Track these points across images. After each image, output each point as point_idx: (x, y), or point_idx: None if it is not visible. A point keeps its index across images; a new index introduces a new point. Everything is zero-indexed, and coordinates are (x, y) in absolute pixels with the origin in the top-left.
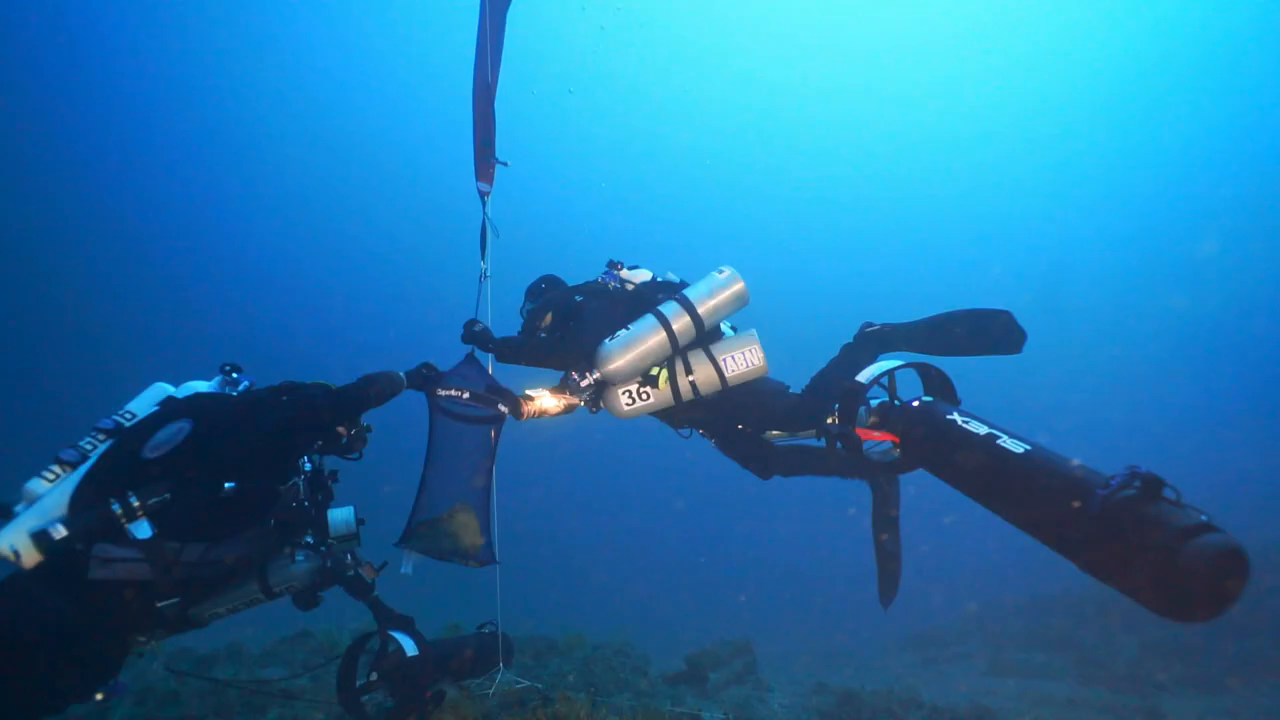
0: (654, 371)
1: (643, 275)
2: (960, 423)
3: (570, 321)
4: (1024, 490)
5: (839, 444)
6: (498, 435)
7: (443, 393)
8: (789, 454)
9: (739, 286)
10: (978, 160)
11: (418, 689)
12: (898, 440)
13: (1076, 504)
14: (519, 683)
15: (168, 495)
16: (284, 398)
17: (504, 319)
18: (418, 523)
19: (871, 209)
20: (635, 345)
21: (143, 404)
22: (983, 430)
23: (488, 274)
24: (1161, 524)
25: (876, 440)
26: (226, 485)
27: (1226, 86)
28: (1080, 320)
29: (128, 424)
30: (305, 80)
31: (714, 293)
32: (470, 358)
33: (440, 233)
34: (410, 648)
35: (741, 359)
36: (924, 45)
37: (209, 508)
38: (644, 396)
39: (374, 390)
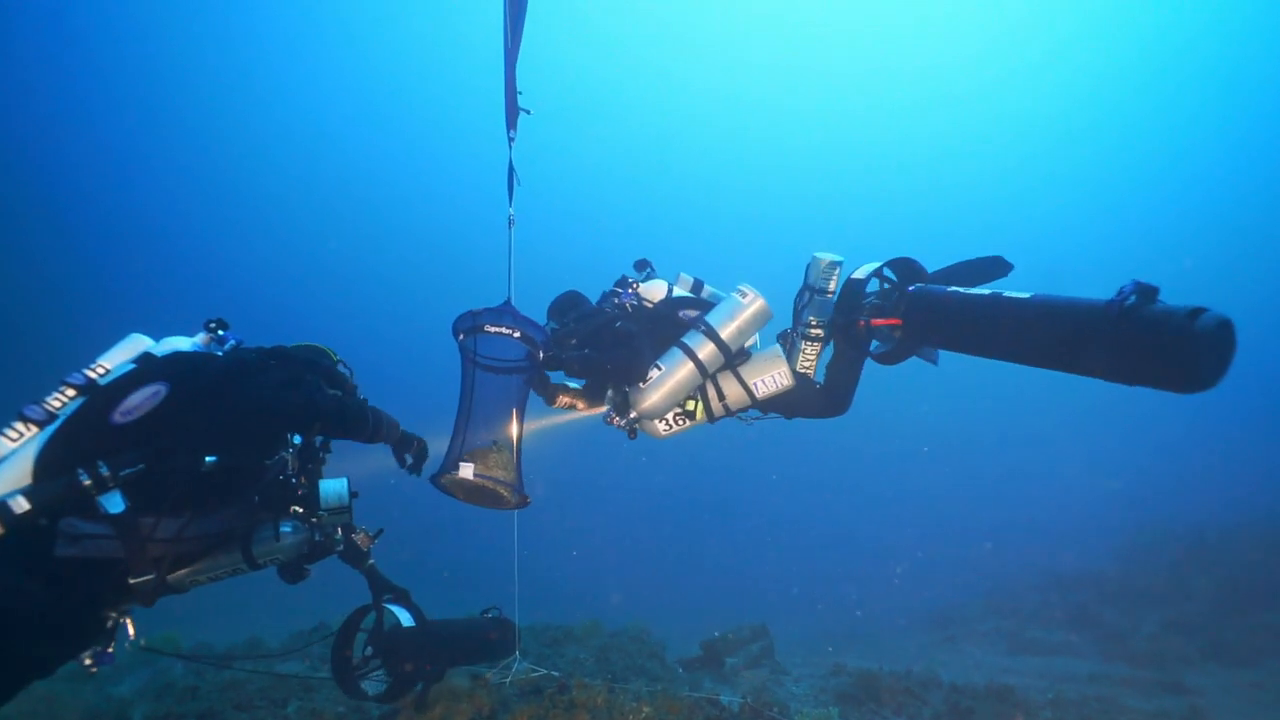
0: (689, 406)
1: (658, 289)
2: (961, 290)
3: (630, 341)
4: (1044, 325)
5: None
6: (529, 383)
7: (491, 328)
8: (834, 377)
9: (760, 305)
10: (979, 164)
11: (415, 664)
12: (900, 322)
13: (1110, 337)
14: (535, 670)
15: (142, 466)
16: (272, 362)
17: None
18: (464, 450)
19: (871, 207)
20: (667, 384)
21: (117, 357)
22: (985, 290)
23: (514, 220)
24: (1171, 313)
25: (884, 325)
26: (208, 459)
27: (1227, 90)
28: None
29: (101, 380)
30: (287, 70)
31: (736, 316)
32: (508, 304)
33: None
34: (406, 620)
35: (772, 381)
36: (928, 50)
37: (188, 482)
38: (680, 423)
39: (376, 431)
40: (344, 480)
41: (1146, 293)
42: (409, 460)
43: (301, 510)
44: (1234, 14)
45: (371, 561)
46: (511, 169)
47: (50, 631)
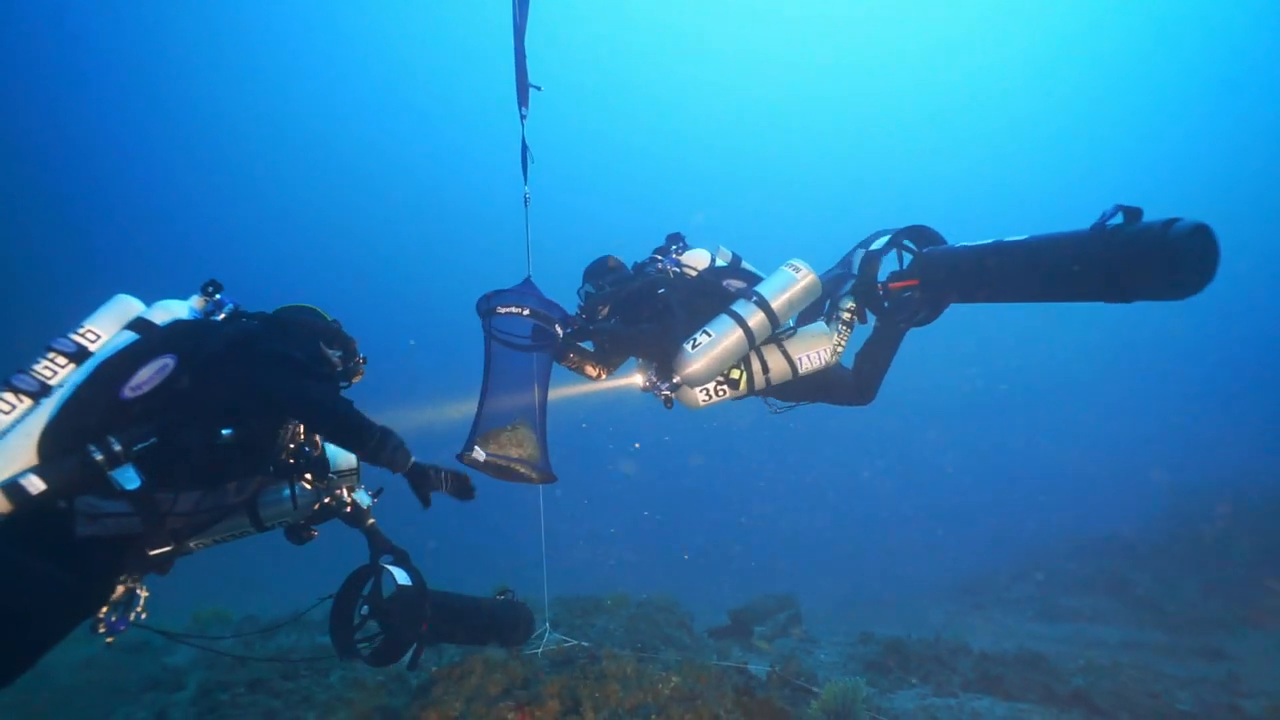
0: (734, 375)
1: (701, 257)
2: (965, 245)
3: (663, 316)
4: (1042, 259)
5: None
6: (551, 358)
7: (503, 309)
8: (868, 359)
9: (812, 280)
10: (985, 153)
11: (409, 624)
12: (918, 282)
13: (1101, 257)
14: (566, 641)
15: (154, 439)
16: (276, 333)
17: (541, 253)
18: (481, 432)
19: (873, 198)
20: (716, 350)
21: (106, 321)
22: (987, 240)
23: (530, 198)
24: (1148, 225)
25: (903, 287)
26: (224, 432)
27: (1225, 83)
28: (1078, 319)
29: (91, 345)
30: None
31: (788, 288)
32: (528, 282)
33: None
34: (403, 578)
35: (816, 357)
36: (931, 43)
37: (204, 455)
38: (721, 393)
39: (381, 449)
40: None
41: (1129, 213)
42: (430, 498)
43: (311, 475)
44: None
45: (372, 521)
46: (525, 146)
47: (72, 610)
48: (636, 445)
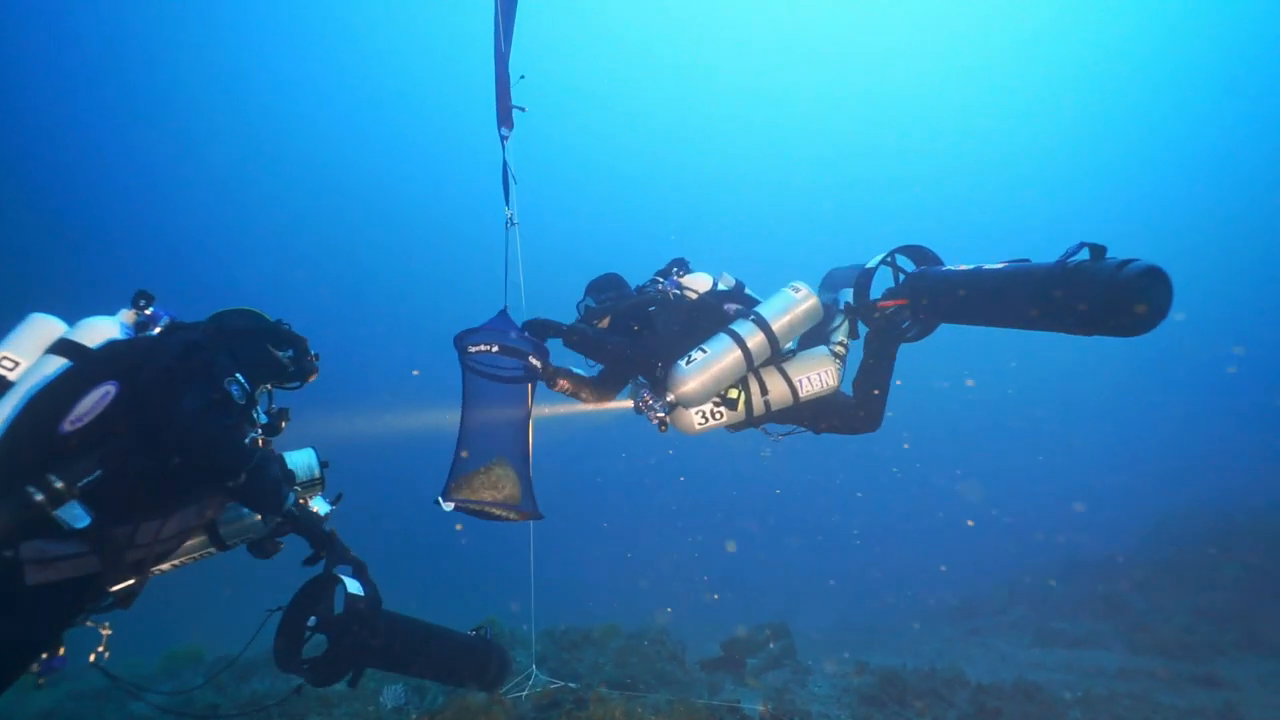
0: (732, 395)
1: (702, 281)
2: (950, 268)
3: (643, 330)
4: (1015, 287)
5: (859, 320)
6: (533, 390)
7: (473, 348)
8: (866, 382)
9: (813, 303)
10: (990, 158)
11: (357, 637)
12: (906, 302)
13: (1058, 293)
14: (552, 683)
15: (99, 472)
16: (221, 354)
17: (536, 278)
18: (455, 477)
19: (871, 202)
20: (712, 368)
21: (24, 346)
22: (969, 265)
23: (514, 221)
24: (1103, 265)
25: (891, 306)
26: (174, 458)
27: (1226, 85)
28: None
29: (9, 373)
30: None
31: (788, 310)
32: (503, 314)
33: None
34: (355, 589)
35: (818, 379)
36: (929, 40)
37: (157, 482)
38: (718, 416)
39: (276, 510)
40: (310, 450)
41: (1094, 250)
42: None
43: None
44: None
45: (331, 528)
46: (506, 168)
47: (22, 661)
48: (623, 456)
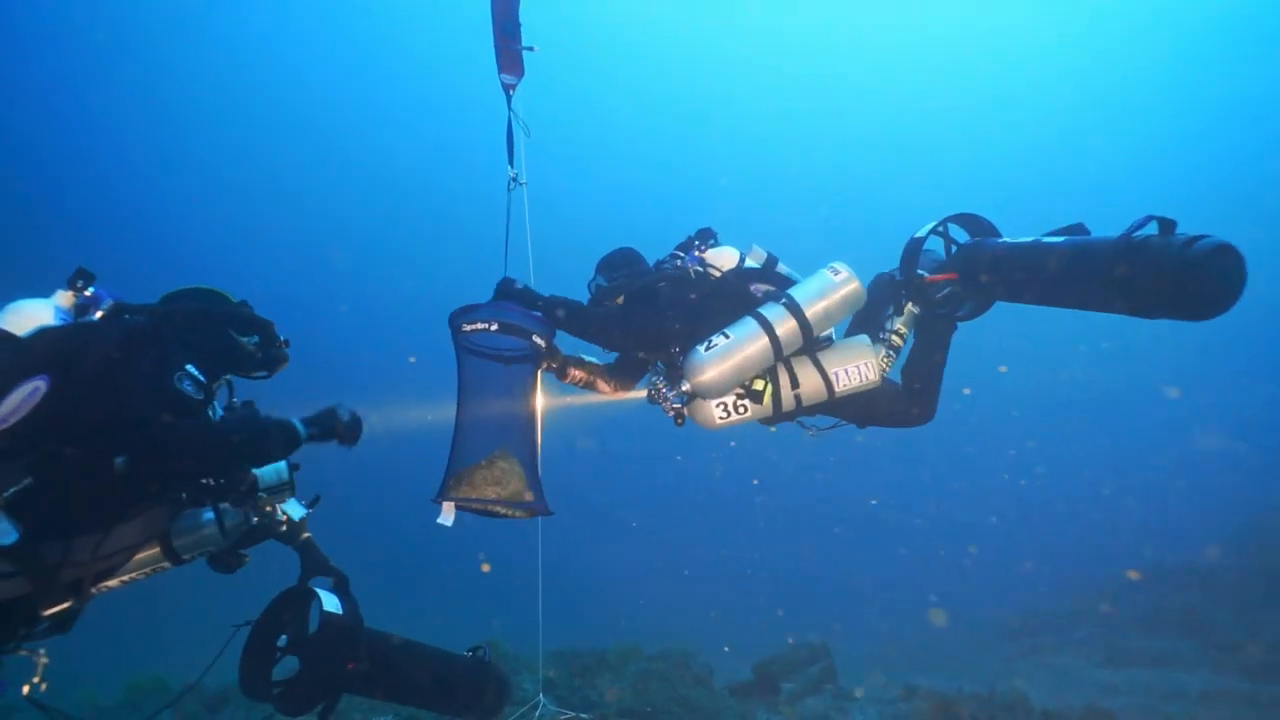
0: (757, 386)
1: (728, 256)
2: (1007, 240)
3: (646, 307)
4: (1077, 264)
5: (905, 295)
6: (539, 372)
7: (469, 327)
8: (913, 372)
9: (855, 288)
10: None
11: (333, 660)
12: (957, 276)
13: (1121, 270)
14: (562, 714)
15: (28, 480)
16: (173, 341)
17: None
18: (453, 473)
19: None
20: (734, 355)
21: None
22: (1028, 239)
23: (519, 180)
24: (1170, 242)
25: (940, 280)
26: (117, 460)
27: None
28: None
29: None
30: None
31: (826, 295)
32: (506, 281)
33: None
34: (333, 606)
35: (856, 373)
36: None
37: (96, 490)
38: (741, 410)
39: (267, 447)
40: None
41: (1162, 224)
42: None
43: (238, 494)
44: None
45: (307, 535)
46: (512, 122)
47: None
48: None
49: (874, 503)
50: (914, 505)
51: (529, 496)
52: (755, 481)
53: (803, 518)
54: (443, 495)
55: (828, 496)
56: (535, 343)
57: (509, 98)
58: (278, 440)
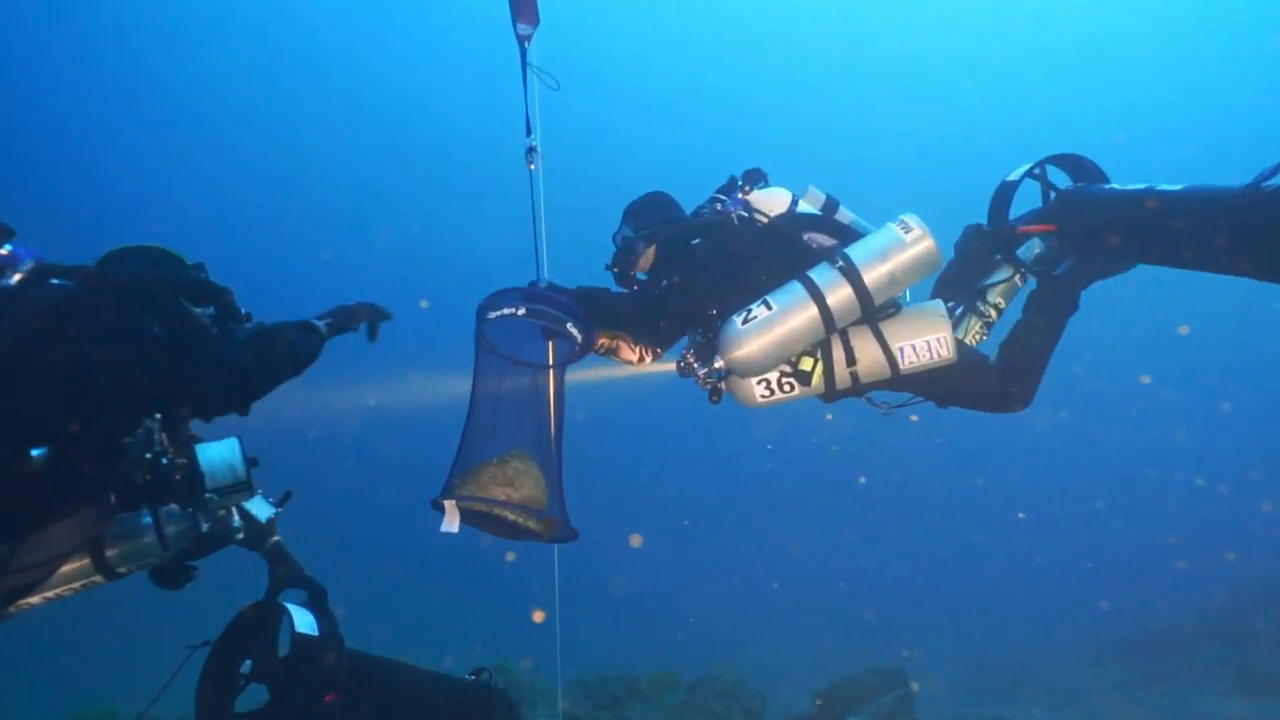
0: (805, 365)
1: (778, 199)
2: (1116, 186)
3: (677, 272)
4: (1199, 217)
5: (995, 249)
6: (562, 372)
7: (494, 314)
8: (1014, 346)
9: (928, 248)
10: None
11: (307, 692)
12: (1055, 228)
13: (1256, 220)
14: None
15: None
16: (109, 298)
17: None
18: (458, 472)
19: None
20: (775, 329)
21: None
22: (1139, 185)
23: (536, 148)
24: None
25: (1034, 231)
26: (34, 453)
27: None
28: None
29: None
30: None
31: (890, 255)
32: (536, 287)
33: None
34: (307, 625)
35: (926, 350)
36: None
37: (6, 494)
38: (787, 388)
39: (298, 359)
40: (233, 441)
41: None
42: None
43: (180, 495)
44: None
45: (276, 539)
46: (526, 75)
47: None
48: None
49: (1021, 516)
50: (1020, 498)
51: (546, 499)
52: (862, 480)
53: (867, 521)
54: (445, 495)
55: (897, 495)
56: (570, 333)
57: (524, 51)
58: (299, 343)
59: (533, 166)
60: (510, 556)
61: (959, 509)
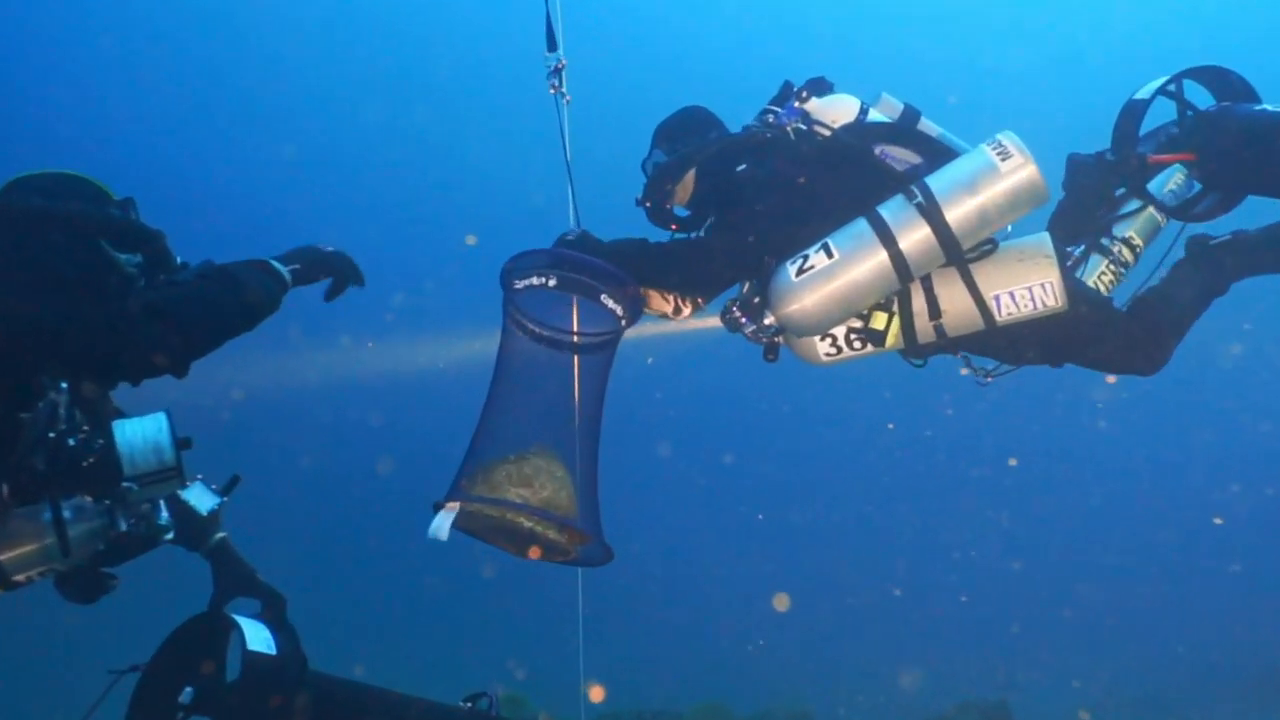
0: (877, 323)
1: (844, 107)
2: (1270, 108)
3: (722, 208)
4: None
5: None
6: (611, 355)
7: (521, 283)
8: (1155, 299)
9: (1027, 176)
10: None
11: (264, 717)
12: (1195, 158)
13: None
14: None
15: None
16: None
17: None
18: (468, 471)
19: None
20: (835, 281)
21: None
22: None
23: (562, 67)
24: None
25: (1168, 162)
26: None
27: None
28: None
29: None
30: None
31: (981, 185)
32: (580, 237)
33: None
34: (262, 642)
35: (1027, 299)
36: None
37: None
38: (855, 346)
39: (284, 287)
40: (160, 417)
41: None
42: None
43: (91, 487)
44: None
45: (221, 536)
46: None
47: None
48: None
49: (1218, 521)
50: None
51: (573, 505)
52: (1013, 461)
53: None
54: (451, 496)
55: (1000, 481)
56: (609, 308)
57: None
58: (254, 288)
59: (558, 90)
60: (534, 553)
61: (1135, 507)
